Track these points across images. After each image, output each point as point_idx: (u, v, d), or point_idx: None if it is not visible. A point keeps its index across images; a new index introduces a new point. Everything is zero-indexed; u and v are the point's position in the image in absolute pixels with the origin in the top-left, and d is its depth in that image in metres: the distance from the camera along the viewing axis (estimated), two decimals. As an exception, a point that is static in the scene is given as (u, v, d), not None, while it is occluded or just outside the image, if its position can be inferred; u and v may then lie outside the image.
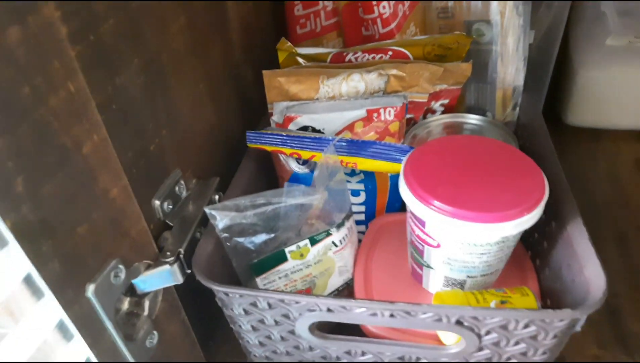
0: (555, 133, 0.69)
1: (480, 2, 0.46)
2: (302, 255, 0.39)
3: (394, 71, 0.46)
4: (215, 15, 0.44)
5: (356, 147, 0.41)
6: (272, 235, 0.39)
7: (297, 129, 0.45)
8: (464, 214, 0.32)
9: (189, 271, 0.35)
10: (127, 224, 0.31)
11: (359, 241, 0.45)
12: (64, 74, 0.25)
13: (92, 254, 0.28)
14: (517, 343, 0.33)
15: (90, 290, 0.28)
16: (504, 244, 0.34)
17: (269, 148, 0.43)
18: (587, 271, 0.31)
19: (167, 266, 0.34)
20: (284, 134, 0.42)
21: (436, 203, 0.33)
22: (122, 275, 0.31)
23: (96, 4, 0.28)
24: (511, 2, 0.46)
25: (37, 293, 0.26)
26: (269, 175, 0.47)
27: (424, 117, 0.51)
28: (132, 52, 0.32)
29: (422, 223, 0.35)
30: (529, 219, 0.32)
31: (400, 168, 0.38)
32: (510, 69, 0.48)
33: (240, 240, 0.38)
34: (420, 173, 0.35)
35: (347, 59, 0.48)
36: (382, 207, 0.48)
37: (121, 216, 0.30)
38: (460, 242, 0.34)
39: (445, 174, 0.35)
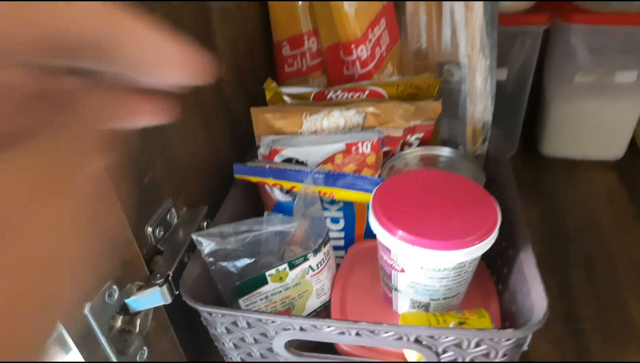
0: (531, 163, 0.74)
1: (449, 45, 0.51)
2: (281, 278, 0.43)
3: (371, 109, 0.50)
4: (207, 55, 0.48)
5: (332, 179, 0.45)
6: (253, 260, 0.43)
7: (282, 161, 0.49)
8: (423, 243, 0.36)
9: (177, 292, 0.39)
10: (121, 249, 0.35)
11: (338, 265, 0.49)
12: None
13: (91, 276, 0.32)
14: (472, 361, 0.36)
15: (87, 308, 0.32)
16: (461, 269, 0.37)
17: (253, 179, 0.47)
18: (533, 294, 0.35)
19: (157, 288, 0.38)
20: (267, 166, 0.46)
21: (400, 232, 0.37)
22: (116, 295, 0.34)
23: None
24: (478, 46, 0.50)
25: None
26: (255, 203, 0.50)
27: (401, 149, 0.55)
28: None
29: (389, 250, 0.38)
30: (480, 248, 0.36)
31: (370, 197, 0.42)
32: (478, 106, 0.52)
33: (224, 264, 0.42)
34: (387, 204, 0.39)
35: (328, 97, 0.52)
36: (360, 234, 0.51)
37: (116, 242, 0.34)
38: (421, 267, 0.37)
39: (409, 205, 0.39)
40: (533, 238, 0.58)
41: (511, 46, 0.64)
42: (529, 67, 0.65)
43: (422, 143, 0.56)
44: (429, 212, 0.38)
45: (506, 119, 0.69)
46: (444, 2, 0.49)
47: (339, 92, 0.52)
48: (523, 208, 0.44)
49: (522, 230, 0.40)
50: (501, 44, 0.52)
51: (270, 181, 0.46)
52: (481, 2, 0.48)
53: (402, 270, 0.39)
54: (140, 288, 0.37)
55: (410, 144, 0.56)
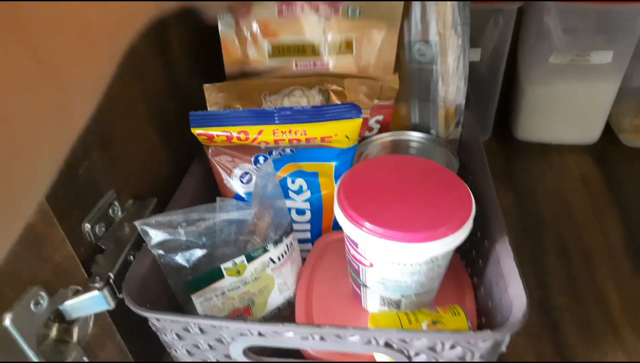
0: (505, 148, 0.72)
1: (420, 23, 0.47)
2: (238, 272, 0.39)
3: (334, 87, 0.46)
4: (154, 35, 0.44)
5: (304, 114, 0.42)
6: (207, 251, 0.39)
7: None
8: (392, 235, 0.32)
9: (120, 295, 0.35)
10: (49, 249, 0.30)
11: (305, 259, 0.45)
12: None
13: (9, 282, 0.28)
14: None
15: (8, 319, 0.28)
16: (434, 264, 0.34)
17: (214, 130, 0.41)
18: (511, 290, 0.32)
19: (95, 292, 0.33)
20: (228, 111, 0.42)
21: (367, 224, 0.33)
22: (45, 303, 0.30)
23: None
24: (449, 23, 0.47)
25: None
26: (212, 195, 0.46)
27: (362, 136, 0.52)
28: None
29: (356, 244, 0.35)
30: (454, 239, 0.33)
31: (353, 124, 0.41)
32: (451, 88, 0.49)
33: (174, 256, 0.38)
34: (354, 193, 0.36)
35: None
36: (328, 226, 0.48)
37: (41, 242, 0.30)
38: (391, 262, 0.34)
39: (377, 195, 0.35)
40: (507, 225, 0.56)
41: (484, 26, 0.61)
42: (502, 48, 0.63)
43: (383, 125, 0.52)
44: (399, 202, 0.35)
45: (480, 102, 0.67)
46: (413, -24, 0.45)
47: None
48: (497, 194, 0.41)
49: (498, 221, 0.37)
50: (474, 23, 0.49)
51: (233, 129, 0.41)
52: (453, -24, 0.45)
53: (371, 265, 0.35)
54: (76, 293, 0.33)
55: (370, 129, 0.53)
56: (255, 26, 0.47)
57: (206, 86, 0.45)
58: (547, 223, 0.59)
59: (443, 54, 0.48)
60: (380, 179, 0.37)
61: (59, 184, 0.32)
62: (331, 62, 0.48)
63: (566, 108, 0.66)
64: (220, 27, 0.47)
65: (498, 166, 0.68)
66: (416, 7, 0.47)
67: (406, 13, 0.48)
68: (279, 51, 0.48)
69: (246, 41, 0.47)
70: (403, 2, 0.46)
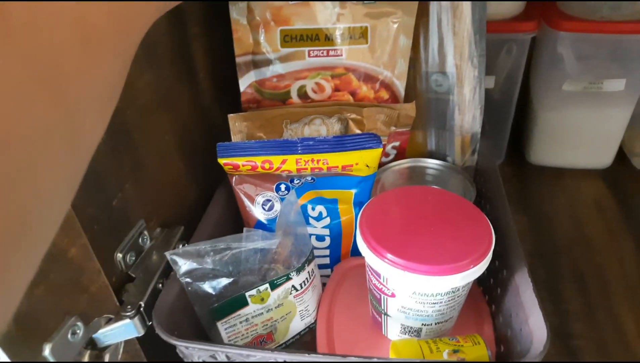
0: (519, 172, 0.72)
1: (437, 55, 0.49)
2: (262, 299, 0.40)
3: (353, 115, 0.48)
4: (183, 68, 0.45)
5: (326, 144, 0.43)
6: (232, 279, 0.40)
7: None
8: (415, 267, 0.33)
9: (149, 323, 0.36)
10: (86, 281, 0.32)
11: (324, 284, 0.46)
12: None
13: (49, 313, 0.29)
14: (468, 391, 0.34)
15: (47, 350, 0.29)
16: (454, 294, 0.35)
17: (239, 160, 0.42)
18: (532, 321, 0.33)
19: (127, 320, 0.35)
20: (253, 141, 0.43)
21: (389, 255, 0.34)
22: (80, 332, 0.31)
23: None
24: (466, 55, 0.48)
25: (-9, 355, 0.27)
26: (235, 223, 0.48)
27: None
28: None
29: (378, 274, 0.36)
30: (475, 272, 0.33)
31: (373, 154, 0.42)
32: (467, 117, 0.50)
33: (202, 284, 0.39)
34: (375, 224, 0.37)
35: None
36: (347, 251, 0.49)
37: (80, 273, 0.31)
38: (412, 292, 0.35)
39: (399, 226, 0.36)
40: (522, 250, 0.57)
41: (498, 54, 0.63)
42: (516, 75, 0.64)
43: (399, 151, 0.53)
44: (420, 233, 0.36)
45: (493, 127, 0.68)
46: (430, 11, 0.47)
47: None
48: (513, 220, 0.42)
49: (517, 251, 0.38)
50: (488, 51, 0.50)
51: (258, 159, 0.42)
52: (469, 11, 0.46)
53: (393, 295, 0.36)
54: (109, 321, 0.34)
55: (387, 155, 0.54)
56: (267, 13, 0.45)
57: (230, 116, 0.47)
58: (561, 249, 0.60)
59: (460, 85, 0.49)
60: (401, 211, 0.38)
61: (96, 217, 0.33)
62: (345, 50, 0.47)
63: (579, 134, 0.67)
64: (231, 13, 0.46)
65: (511, 190, 0.69)
66: (433, 39, 0.49)
67: (424, 44, 0.49)
68: (291, 38, 0.47)
69: (258, 28, 0.46)
70: None
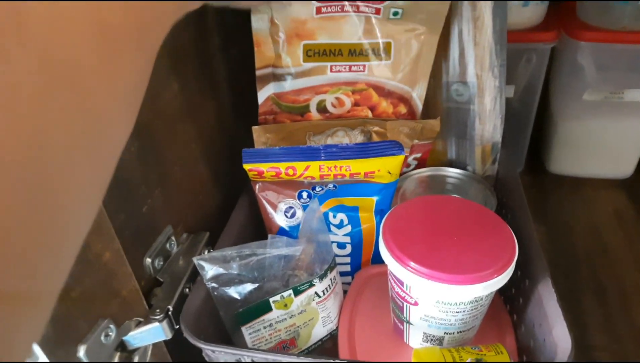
0: (538, 181, 0.72)
1: (458, 65, 0.49)
2: (286, 305, 0.41)
3: (376, 128, 0.48)
4: (206, 80, 0.47)
5: (348, 150, 0.43)
6: (257, 285, 0.41)
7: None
8: (439, 276, 0.34)
9: (177, 326, 0.37)
10: (118, 285, 0.33)
11: (345, 292, 0.47)
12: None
13: (84, 316, 0.30)
14: (490, 400, 0.34)
15: (82, 351, 0.30)
16: (477, 303, 0.36)
17: (264, 166, 0.43)
18: (555, 332, 0.33)
19: (156, 323, 0.35)
20: (277, 148, 0.44)
21: (412, 264, 0.35)
22: (113, 335, 0.32)
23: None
24: (487, 65, 0.48)
25: (30, 356, 0.28)
26: (258, 228, 0.48)
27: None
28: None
29: (401, 282, 0.36)
30: (498, 281, 0.34)
31: (395, 161, 0.42)
32: (488, 126, 0.51)
33: (227, 289, 0.40)
34: (398, 232, 0.37)
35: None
36: (367, 259, 0.49)
37: (113, 278, 0.32)
38: (435, 301, 0.35)
39: (421, 235, 0.37)
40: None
41: (518, 63, 0.63)
42: (536, 85, 0.64)
43: (420, 162, 0.54)
44: (443, 242, 0.36)
45: (513, 136, 0.68)
46: (451, 22, 0.47)
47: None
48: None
49: (540, 261, 0.38)
50: (508, 61, 0.50)
51: (282, 165, 0.43)
52: (490, 22, 0.47)
53: (416, 303, 0.37)
54: (138, 324, 0.35)
55: (408, 165, 0.54)
56: (291, 26, 0.45)
57: (254, 128, 0.47)
58: (581, 259, 0.60)
59: (480, 94, 0.50)
60: (423, 220, 0.39)
61: (127, 223, 0.34)
62: (367, 66, 0.47)
63: (599, 143, 0.67)
64: (253, 24, 0.45)
65: (530, 199, 0.68)
66: (454, 49, 0.49)
67: (444, 54, 0.50)
68: (314, 53, 0.46)
69: (281, 41, 0.46)
70: (449, 2, 0.44)
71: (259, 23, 0.45)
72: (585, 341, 0.50)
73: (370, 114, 0.50)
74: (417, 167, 0.54)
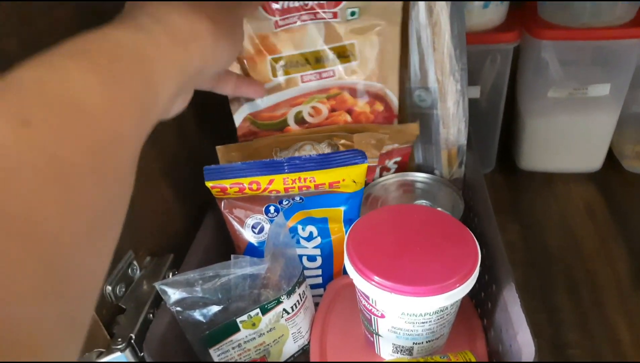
0: (509, 179, 0.73)
1: (419, 71, 0.49)
2: (254, 324, 0.41)
3: (342, 141, 0.48)
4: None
5: (312, 162, 0.43)
6: (223, 307, 0.40)
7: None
8: (402, 289, 0.34)
9: (141, 354, 0.36)
10: (75, 318, 0.32)
11: (316, 305, 0.46)
12: None
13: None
14: (460, 410, 0.34)
15: (37, 388, 0.29)
16: (443, 312, 0.35)
17: (227, 182, 0.43)
18: (520, 338, 0.33)
19: (118, 353, 0.35)
20: (239, 163, 0.43)
21: (376, 278, 0.34)
22: (71, 369, 0.31)
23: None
24: (447, 70, 0.48)
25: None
26: (225, 247, 0.48)
27: (380, 174, 0.54)
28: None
29: (366, 296, 0.36)
30: (461, 290, 0.34)
31: (359, 170, 0.42)
32: (452, 130, 0.51)
33: (192, 312, 0.39)
34: (362, 245, 0.37)
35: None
36: (339, 269, 0.49)
37: (68, 311, 0.31)
38: (400, 313, 0.35)
39: (385, 246, 0.37)
40: (515, 259, 0.57)
41: (482, 64, 0.63)
42: (501, 84, 0.64)
43: (400, 166, 0.54)
44: (407, 253, 0.36)
45: (482, 136, 0.68)
46: (410, 28, 0.47)
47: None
48: (503, 226, 0.42)
49: (504, 266, 0.38)
50: (472, 62, 0.50)
51: (245, 180, 0.43)
52: (448, 27, 0.47)
53: (382, 316, 0.37)
54: (100, 355, 0.34)
55: (388, 169, 0.54)
56: (254, 43, 0.45)
57: (219, 148, 0.47)
58: (554, 256, 0.60)
59: (442, 99, 0.50)
60: (387, 231, 0.38)
61: (82, 252, 0.33)
62: (336, 70, 0.47)
63: (567, 138, 0.67)
64: None
65: (503, 198, 0.70)
66: (414, 55, 0.49)
67: (405, 61, 0.50)
68: (282, 66, 0.47)
69: (247, 60, 0.46)
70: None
71: None
72: (560, 339, 0.51)
73: (349, 117, 0.50)
74: (397, 171, 0.54)
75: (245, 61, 0.46)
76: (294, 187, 0.44)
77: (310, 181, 0.44)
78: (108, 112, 0.21)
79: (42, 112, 0.18)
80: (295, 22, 0.45)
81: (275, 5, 0.44)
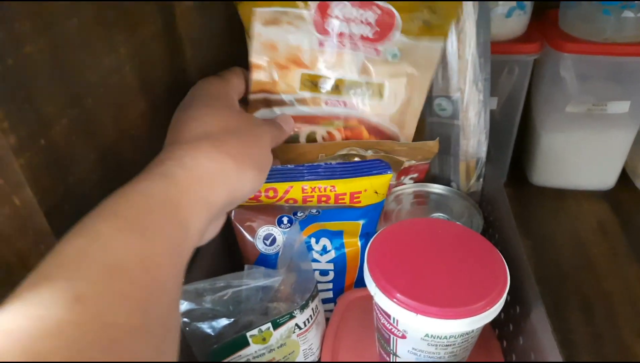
0: (521, 193, 0.71)
1: (441, 79, 0.47)
2: (264, 339, 0.38)
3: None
4: (177, 96, 0.44)
5: (333, 170, 0.41)
6: (233, 320, 0.38)
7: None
8: (428, 310, 0.32)
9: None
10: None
11: (327, 319, 0.44)
12: (8, 191, 0.24)
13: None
14: None
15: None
16: (469, 335, 0.34)
17: None
18: (551, 366, 0.31)
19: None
20: None
21: (399, 296, 0.32)
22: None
23: (47, 105, 0.28)
24: (470, 79, 0.47)
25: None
26: (235, 258, 0.45)
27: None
28: (87, 147, 0.31)
29: (387, 315, 0.34)
30: (491, 314, 0.32)
31: (382, 180, 0.41)
32: (472, 142, 0.49)
33: (200, 325, 0.37)
34: (384, 261, 0.35)
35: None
36: (350, 283, 0.47)
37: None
38: (424, 334, 0.33)
39: (408, 262, 0.35)
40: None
41: (500, 75, 0.62)
42: (518, 96, 0.63)
43: (416, 182, 0.52)
44: (431, 270, 0.34)
45: (496, 148, 0.66)
46: (436, 34, 0.45)
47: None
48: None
49: (531, 286, 0.36)
50: (491, 73, 0.49)
51: (262, 186, 0.40)
52: (474, 34, 0.45)
53: (403, 337, 0.35)
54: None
55: (403, 184, 0.52)
56: (290, 52, 0.43)
57: None
58: (567, 275, 0.58)
59: (464, 109, 0.48)
60: (409, 246, 0.36)
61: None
62: (361, 104, 0.45)
63: (582, 155, 0.66)
64: (253, 51, 0.43)
65: (513, 212, 0.68)
66: (437, 62, 0.47)
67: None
68: (311, 83, 0.45)
69: (279, 68, 0.44)
70: (441, 45, 0.43)
71: (257, 48, 0.43)
72: (574, 360, 0.49)
73: None
74: (411, 184, 0.52)
75: (274, 65, 0.44)
76: (313, 196, 0.42)
77: (330, 190, 0.42)
78: (147, 267, 0.22)
79: (90, 283, 0.20)
80: (339, 47, 0.43)
81: (326, 27, 0.42)
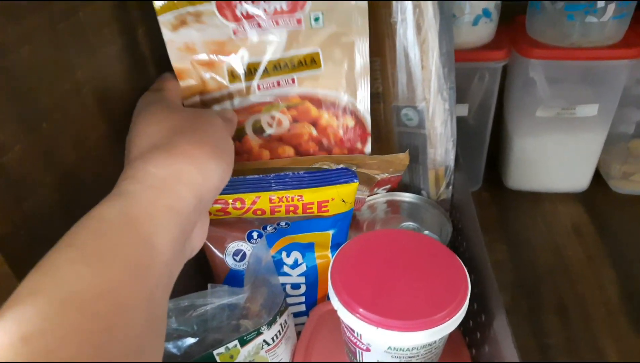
0: (497, 197, 0.72)
1: (406, 89, 0.48)
2: (232, 357, 0.38)
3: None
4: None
5: (300, 179, 0.41)
6: (198, 338, 0.38)
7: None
8: (389, 323, 0.32)
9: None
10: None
11: (298, 333, 0.44)
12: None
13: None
14: None
15: None
16: (431, 346, 0.34)
17: None
18: (512, 375, 0.31)
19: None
20: None
21: (361, 310, 0.33)
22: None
23: (2, 132, 0.28)
24: (435, 89, 0.47)
25: None
26: (205, 276, 0.46)
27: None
28: (45, 172, 0.31)
29: (351, 329, 0.34)
30: (451, 324, 0.32)
31: (349, 189, 0.41)
32: (439, 150, 0.50)
33: (165, 344, 0.37)
34: (346, 275, 0.35)
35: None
36: (323, 295, 0.47)
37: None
38: (387, 347, 0.33)
39: (371, 275, 0.35)
40: (502, 279, 0.56)
41: (470, 82, 0.62)
42: (489, 102, 0.63)
43: (389, 191, 0.53)
44: (393, 284, 0.34)
45: (470, 154, 0.67)
46: (397, 46, 0.46)
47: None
48: (490, 245, 0.40)
49: (494, 295, 0.37)
50: (460, 80, 0.49)
51: (229, 197, 0.40)
52: (436, 45, 0.46)
53: (368, 349, 0.35)
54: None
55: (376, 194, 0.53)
56: (211, 48, 0.42)
57: None
58: (542, 278, 0.59)
59: (430, 119, 0.48)
60: (373, 258, 0.37)
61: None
62: (297, 78, 0.44)
63: (555, 158, 0.67)
64: (172, 59, 0.42)
65: (490, 216, 0.68)
66: (402, 73, 0.48)
67: (392, 78, 0.48)
68: (239, 73, 0.43)
69: (204, 67, 0.42)
70: (367, 2, 0.41)
71: (178, 57, 0.41)
72: (550, 364, 0.49)
73: (313, 130, 0.47)
74: (383, 193, 0.53)
75: (198, 66, 0.42)
76: (281, 206, 0.42)
77: (298, 199, 0.42)
78: (103, 294, 0.22)
79: (40, 321, 0.20)
80: (257, 29, 0.42)
81: (234, 11, 0.41)
